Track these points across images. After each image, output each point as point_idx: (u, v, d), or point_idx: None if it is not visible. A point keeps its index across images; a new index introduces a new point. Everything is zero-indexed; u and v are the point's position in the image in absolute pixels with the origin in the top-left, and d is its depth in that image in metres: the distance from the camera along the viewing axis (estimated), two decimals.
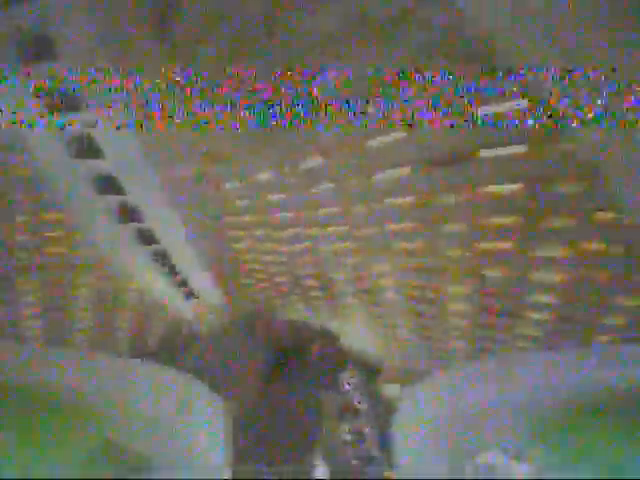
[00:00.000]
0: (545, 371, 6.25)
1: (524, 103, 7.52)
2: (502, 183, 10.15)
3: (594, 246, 10.36)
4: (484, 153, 9.36)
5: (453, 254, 12.51)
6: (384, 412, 17.60)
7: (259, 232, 17.23)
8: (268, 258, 18.13)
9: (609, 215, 9.72)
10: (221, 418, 5.50)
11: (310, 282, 17.84)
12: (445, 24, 7.00)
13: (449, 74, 7.81)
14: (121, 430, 5.41)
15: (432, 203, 11.25)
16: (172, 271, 16.60)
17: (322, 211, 14.54)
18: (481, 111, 8.05)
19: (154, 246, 15.40)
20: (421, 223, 12.22)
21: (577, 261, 10.72)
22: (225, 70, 9.65)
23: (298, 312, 20.71)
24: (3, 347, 7.96)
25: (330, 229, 15.04)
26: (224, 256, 18.55)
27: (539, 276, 11.79)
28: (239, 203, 15.46)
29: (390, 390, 19.13)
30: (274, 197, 14.24)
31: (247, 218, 16.35)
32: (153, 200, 13.67)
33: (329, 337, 17.99)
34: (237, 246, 18.32)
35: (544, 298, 12.34)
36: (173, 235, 15.09)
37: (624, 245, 10.34)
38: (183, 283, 17.37)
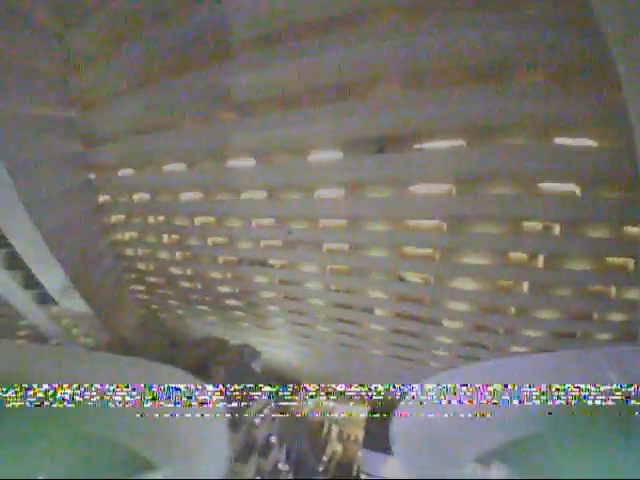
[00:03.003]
0: (546, 371, 6.07)
1: None
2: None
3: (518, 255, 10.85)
4: None
5: (377, 255, 12.24)
6: (292, 426, 17.46)
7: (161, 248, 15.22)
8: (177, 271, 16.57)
9: (537, 224, 10.28)
10: (221, 418, 5.40)
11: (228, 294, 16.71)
12: None
13: None
14: (121, 430, 5.37)
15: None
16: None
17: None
18: None
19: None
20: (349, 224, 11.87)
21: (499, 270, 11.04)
22: None
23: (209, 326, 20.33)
24: (4, 347, 8.03)
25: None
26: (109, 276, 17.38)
27: (458, 283, 12.18)
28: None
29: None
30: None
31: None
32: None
33: (235, 352, 17.52)
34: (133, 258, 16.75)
35: (461, 306, 12.73)
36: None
37: (551, 257, 10.24)
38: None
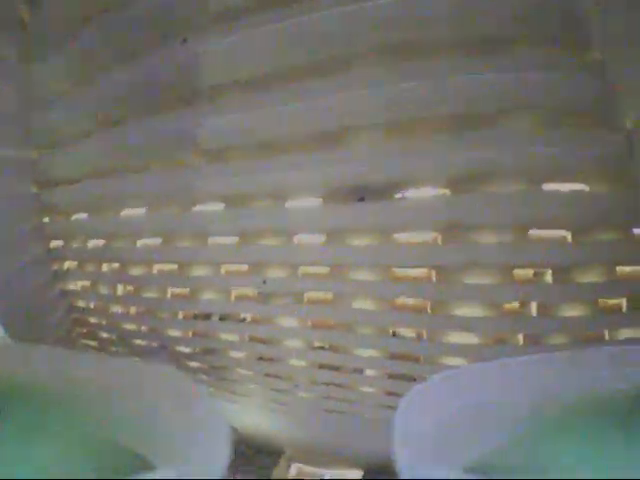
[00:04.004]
0: (545, 371, 5.90)
1: None
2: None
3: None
4: None
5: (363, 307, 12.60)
6: None
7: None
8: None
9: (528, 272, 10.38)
10: (221, 418, 4.96)
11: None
12: None
13: None
14: (121, 430, 4.94)
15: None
16: None
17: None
18: None
19: None
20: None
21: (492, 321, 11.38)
22: None
23: None
24: (4, 346, 7.57)
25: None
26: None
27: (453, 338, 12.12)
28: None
29: None
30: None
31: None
32: None
33: None
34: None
35: (457, 361, 12.65)
36: None
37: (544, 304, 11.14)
38: None
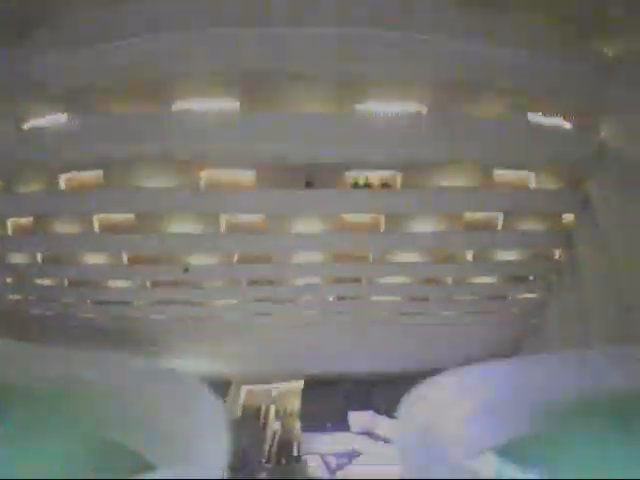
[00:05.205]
0: (545, 371, 6.28)
1: None
2: None
3: None
4: None
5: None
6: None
7: None
8: None
9: None
10: (221, 418, 5.19)
11: None
12: None
13: None
14: (121, 430, 5.06)
15: None
16: None
17: None
18: None
19: None
20: None
21: None
22: None
23: None
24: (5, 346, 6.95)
25: None
26: None
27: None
28: None
29: None
30: None
31: None
32: None
33: None
34: None
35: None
36: None
37: None
38: None
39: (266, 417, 22.94)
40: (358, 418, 21.34)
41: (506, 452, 5.18)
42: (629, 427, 5.01)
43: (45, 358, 6.26)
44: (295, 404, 23.09)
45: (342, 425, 21.15)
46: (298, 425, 22.35)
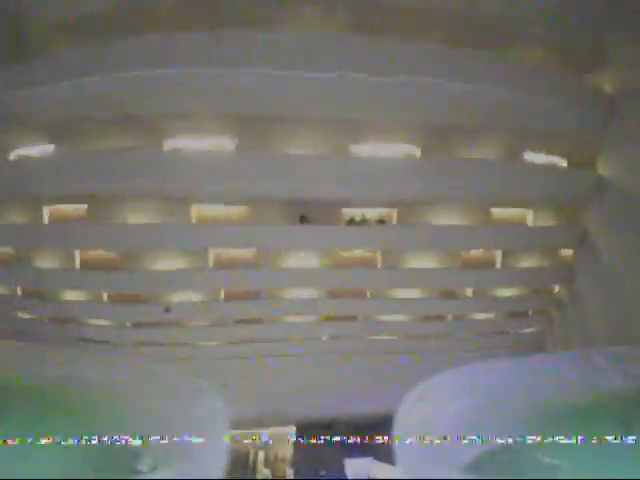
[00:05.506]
0: (545, 372, 6.25)
1: None
2: None
3: None
4: None
5: None
6: None
7: None
8: None
9: None
10: (221, 418, 5.21)
11: None
12: None
13: None
14: (121, 430, 5.05)
15: None
16: None
17: None
18: None
19: None
20: None
21: None
22: None
23: None
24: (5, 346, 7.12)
25: None
26: None
27: None
28: None
29: None
30: None
31: None
32: None
33: None
34: None
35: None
36: None
37: None
38: None
39: (255, 463, 21.97)
40: (356, 465, 20.08)
41: (506, 452, 5.07)
42: (629, 427, 4.95)
43: (45, 358, 6.19)
44: (286, 450, 22.09)
45: (338, 472, 19.89)
46: (290, 472, 21.21)
